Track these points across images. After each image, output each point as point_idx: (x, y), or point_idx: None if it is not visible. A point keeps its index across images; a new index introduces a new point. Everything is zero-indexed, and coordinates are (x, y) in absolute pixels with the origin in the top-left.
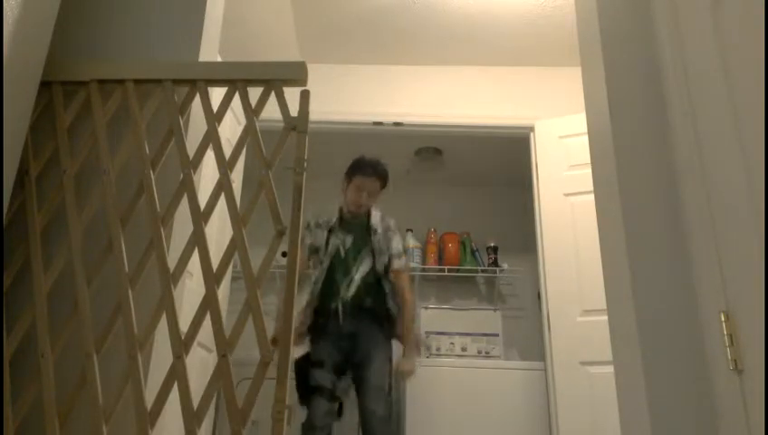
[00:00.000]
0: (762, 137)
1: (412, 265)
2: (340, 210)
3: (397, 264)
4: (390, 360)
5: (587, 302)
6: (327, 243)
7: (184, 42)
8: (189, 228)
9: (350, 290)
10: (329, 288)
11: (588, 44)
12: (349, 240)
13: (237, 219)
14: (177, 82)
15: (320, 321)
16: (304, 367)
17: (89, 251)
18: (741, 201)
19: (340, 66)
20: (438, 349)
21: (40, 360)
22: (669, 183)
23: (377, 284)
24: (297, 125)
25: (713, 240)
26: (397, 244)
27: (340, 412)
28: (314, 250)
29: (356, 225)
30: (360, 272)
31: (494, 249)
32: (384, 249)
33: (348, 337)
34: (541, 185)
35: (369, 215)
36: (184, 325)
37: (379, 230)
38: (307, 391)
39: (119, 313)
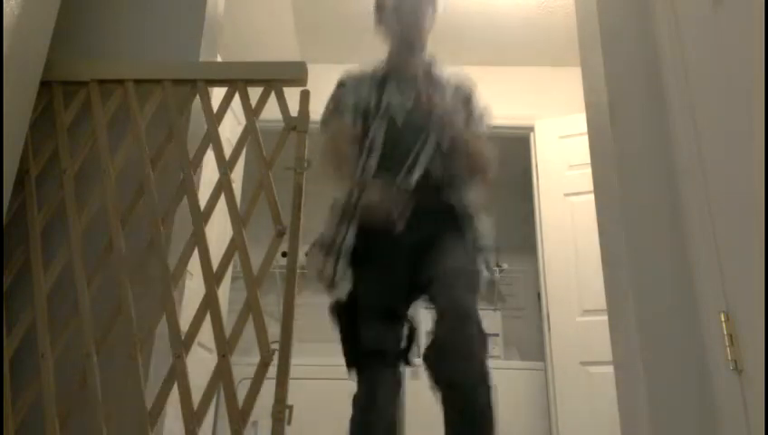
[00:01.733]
0: (762, 137)
1: None
2: (389, 58)
3: (478, 124)
4: (479, 270)
5: (587, 302)
6: (378, 103)
7: (184, 42)
8: (189, 228)
9: (412, 176)
10: (380, 175)
11: (588, 44)
12: (407, 101)
13: (237, 219)
14: (177, 82)
15: (368, 239)
16: (349, 316)
17: (89, 251)
18: (741, 201)
19: (340, 66)
20: None
21: (40, 360)
22: (669, 183)
23: (447, 165)
24: (297, 125)
25: (713, 240)
26: (478, 100)
27: (406, 354)
28: (363, 114)
29: (414, 77)
30: (426, 148)
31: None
32: (457, 109)
33: (413, 253)
34: (541, 185)
35: (430, 64)
36: (184, 325)
37: (452, 81)
38: (357, 356)
39: (119, 313)
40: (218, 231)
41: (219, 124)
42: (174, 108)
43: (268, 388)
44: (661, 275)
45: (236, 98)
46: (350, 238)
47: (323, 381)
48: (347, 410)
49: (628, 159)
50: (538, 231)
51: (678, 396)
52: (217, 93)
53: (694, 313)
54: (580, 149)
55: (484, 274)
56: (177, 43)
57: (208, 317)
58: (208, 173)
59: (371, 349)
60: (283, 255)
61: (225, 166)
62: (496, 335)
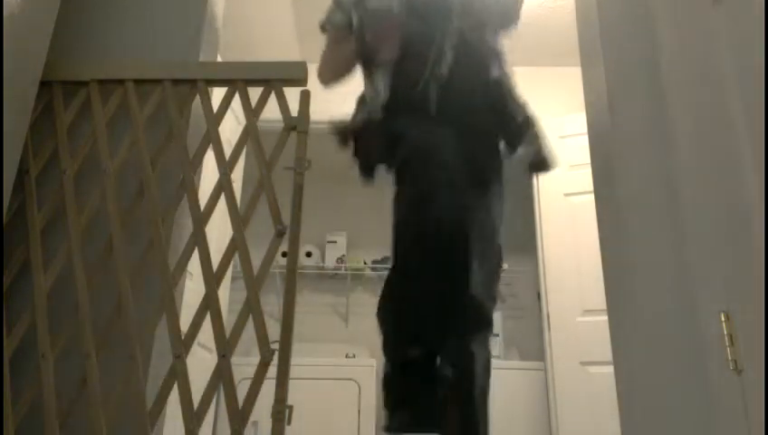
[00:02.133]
0: (761, 136)
1: None
2: None
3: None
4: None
5: (587, 302)
6: None
7: (184, 42)
8: (189, 228)
9: (440, 67)
10: (401, 73)
11: (588, 44)
12: None
13: (237, 219)
14: (177, 82)
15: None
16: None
17: (89, 251)
18: (741, 201)
19: None
20: None
21: (40, 360)
22: (669, 183)
23: (483, 57)
24: (297, 125)
25: (713, 240)
26: None
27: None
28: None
29: None
30: (452, 35)
31: None
32: None
33: (447, 134)
34: (541, 185)
35: None
36: (184, 325)
37: None
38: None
39: (118, 313)
40: (218, 231)
41: (219, 124)
42: (174, 108)
43: (268, 388)
44: (661, 275)
45: (236, 98)
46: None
47: (324, 382)
48: (347, 410)
49: (629, 159)
50: (538, 231)
51: (678, 396)
52: (218, 93)
53: (693, 313)
54: (580, 149)
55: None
56: (177, 43)
57: (208, 317)
58: (208, 173)
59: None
60: (283, 255)
61: (225, 166)
62: (496, 335)
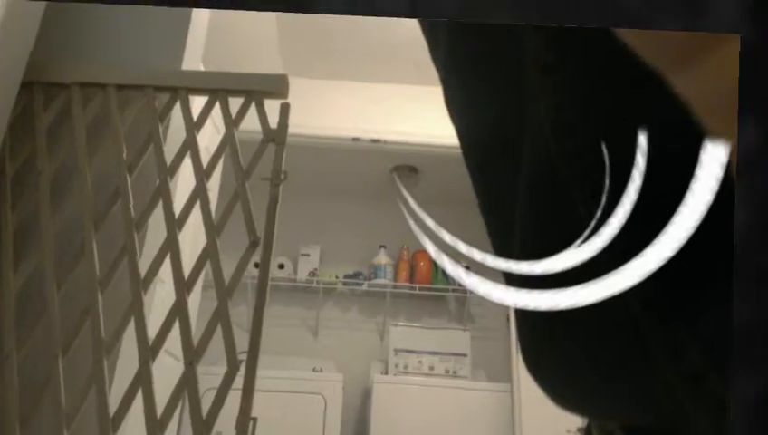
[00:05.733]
0: None
1: (383, 281)
2: None
3: None
4: None
5: None
6: None
7: (168, 49)
8: (163, 235)
9: None
10: None
11: None
12: None
13: (211, 228)
14: (158, 88)
15: None
16: None
17: (61, 253)
18: None
19: (321, 81)
20: (406, 367)
21: (3, 360)
22: None
23: None
24: (276, 137)
25: None
26: None
27: None
28: None
29: None
30: None
31: (466, 269)
32: None
33: None
34: None
35: None
36: (153, 332)
37: None
38: None
39: (87, 316)
40: (192, 239)
41: (199, 132)
42: (154, 114)
43: (233, 399)
44: None
45: (217, 107)
46: None
47: (289, 395)
48: (312, 425)
49: None
50: None
51: None
52: (198, 100)
53: None
54: None
55: None
56: (161, 50)
57: (177, 325)
58: (185, 181)
59: None
60: (256, 266)
61: (201, 173)
62: (465, 356)
